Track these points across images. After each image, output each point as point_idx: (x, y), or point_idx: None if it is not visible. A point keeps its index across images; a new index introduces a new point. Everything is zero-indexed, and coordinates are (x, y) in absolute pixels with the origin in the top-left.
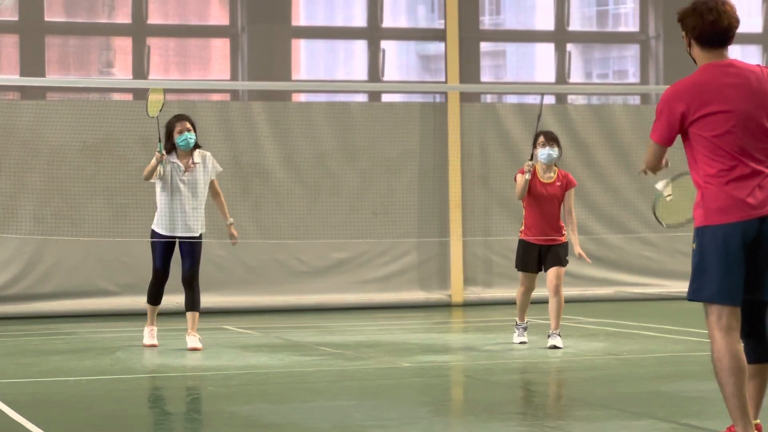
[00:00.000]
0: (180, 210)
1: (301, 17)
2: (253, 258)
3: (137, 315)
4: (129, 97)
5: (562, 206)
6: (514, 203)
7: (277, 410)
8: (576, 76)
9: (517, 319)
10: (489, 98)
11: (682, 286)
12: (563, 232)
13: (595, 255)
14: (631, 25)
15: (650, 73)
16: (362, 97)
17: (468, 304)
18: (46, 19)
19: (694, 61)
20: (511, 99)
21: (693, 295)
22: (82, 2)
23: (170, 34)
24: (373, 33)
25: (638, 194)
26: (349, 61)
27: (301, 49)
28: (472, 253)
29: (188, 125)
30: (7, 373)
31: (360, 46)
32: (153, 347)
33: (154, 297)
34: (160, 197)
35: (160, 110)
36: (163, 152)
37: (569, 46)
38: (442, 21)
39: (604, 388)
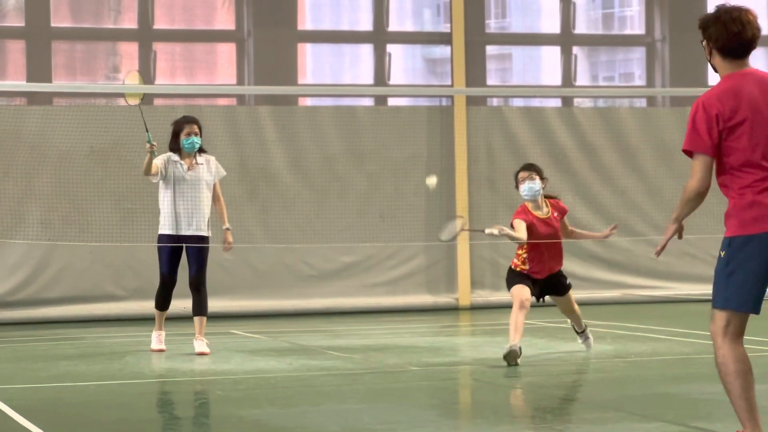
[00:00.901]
0: (184, 209)
1: (307, 21)
2: (260, 262)
3: (145, 319)
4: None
5: (562, 233)
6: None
7: (285, 414)
8: (582, 78)
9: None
10: (495, 101)
11: (690, 289)
12: (561, 260)
13: (603, 257)
14: (637, 27)
15: (656, 75)
16: (368, 101)
17: (475, 308)
18: (53, 24)
19: (715, 70)
20: (518, 102)
21: (725, 304)
22: (89, 7)
23: (176, 39)
24: (379, 37)
25: (645, 197)
26: (356, 65)
27: (308, 53)
28: (480, 256)
29: (196, 129)
30: (16, 378)
31: (366, 50)
32: (161, 352)
33: (162, 303)
34: (164, 198)
35: (142, 99)
36: (153, 143)
37: (575, 49)
38: (448, 24)
39: (613, 391)
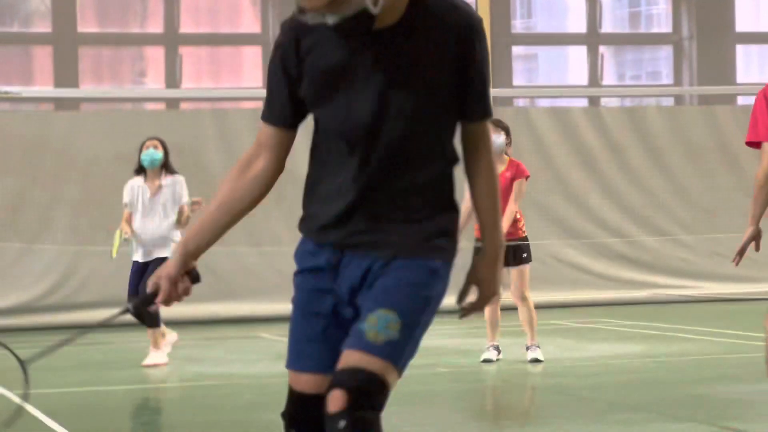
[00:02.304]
0: (150, 234)
1: None
2: (288, 265)
3: (173, 324)
4: (162, 106)
5: (512, 198)
6: (549, 207)
7: None
8: (609, 78)
9: (487, 338)
10: (521, 102)
11: (719, 288)
12: (519, 227)
13: (631, 257)
14: (663, 26)
15: (684, 74)
16: None
17: (502, 309)
18: (79, 30)
19: None
20: (544, 102)
21: None
22: (115, 13)
23: (202, 43)
24: None
25: (673, 196)
26: None
27: None
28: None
29: (156, 143)
30: (46, 382)
31: None
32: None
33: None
34: (136, 227)
35: (123, 239)
36: (125, 239)
37: (601, 48)
38: None
39: (642, 392)
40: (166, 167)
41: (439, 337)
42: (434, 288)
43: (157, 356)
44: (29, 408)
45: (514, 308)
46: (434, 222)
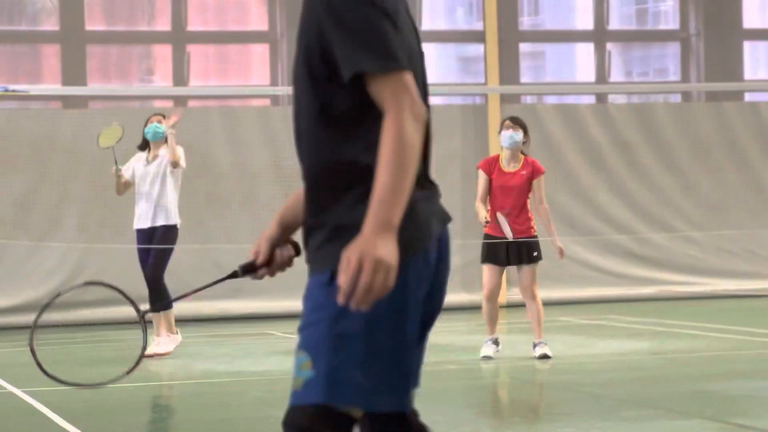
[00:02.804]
0: (145, 201)
1: None
2: (297, 262)
3: (183, 321)
4: (170, 104)
5: (531, 197)
6: (557, 204)
7: None
8: (616, 75)
9: (487, 332)
10: (529, 99)
11: (727, 285)
12: (531, 225)
13: (639, 254)
14: (671, 22)
15: (691, 70)
16: None
17: (511, 306)
18: (87, 28)
19: None
20: (552, 100)
21: None
22: (122, 10)
23: (210, 41)
24: None
25: (681, 193)
26: None
27: None
28: None
29: (160, 117)
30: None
31: None
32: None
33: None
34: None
35: (117, 141)
36: (119, 167)
37: (609, 45)
38: (481, 23)
39: (651, 388)
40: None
41: (448, 334)
42: (330, 302)
43: (164, 344)
44: (37, 405)
45: (520, 305)
46: (331, 219)
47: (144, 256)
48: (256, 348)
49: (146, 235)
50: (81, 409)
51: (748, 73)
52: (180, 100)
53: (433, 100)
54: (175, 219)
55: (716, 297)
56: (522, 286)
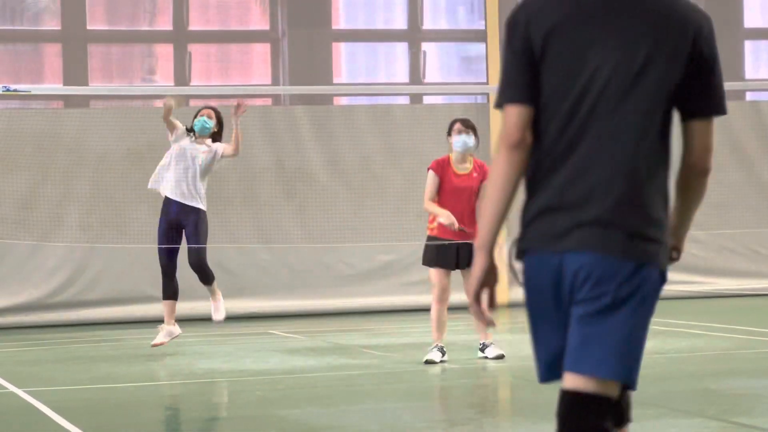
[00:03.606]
0: (183, 174)
1: (341, 21)
2: (298, 262)
3: (184, 321)
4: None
5: (478, 199)
6: None
7: (325, 413)
8: None
9: (433, 337)
10: None
11: (729, 284)
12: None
13: None
14: None
15: None
16: (404, 100)
17: (513, 305)
18: (89, 27)
19: None
20: None
21: None
22: (124, 10)
23: (211, 40)
24: (414, 35)
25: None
26: (390, 64)
27: (342, 52)
28: None
29: (211, 113)
30: (57, 380)
31: (401, 49)
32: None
33: (163, 289)
34: (168, 165)
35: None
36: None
37: None
38: (483, 22)
39: (653, 387)
40: (215, 136)
41: (450, 334)
42: None
43: (220, 308)
44: (38, 405)
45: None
46: None
47: (170, 242)
48: (258, 347)
49: (179, 208)
50: (82, 409)
51: (750, 73)
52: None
53: (434, 99)
54: (205, 206)
55: (718, 296)
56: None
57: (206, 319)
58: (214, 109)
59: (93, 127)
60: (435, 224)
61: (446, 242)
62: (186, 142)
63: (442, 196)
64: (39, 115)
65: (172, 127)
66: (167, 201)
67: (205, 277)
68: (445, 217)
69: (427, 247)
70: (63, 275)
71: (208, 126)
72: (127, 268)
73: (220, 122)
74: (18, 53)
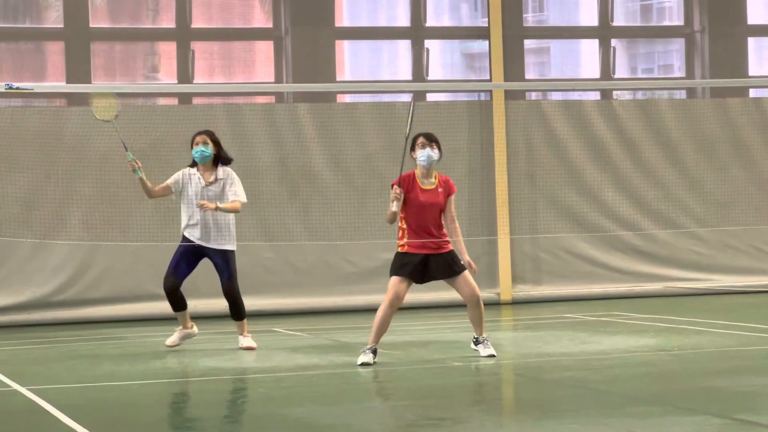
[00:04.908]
0: (202, 221)
1: (344, 18)
2: (301, 260)
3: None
4: (174, 101)
5: (443, 214)
6: (562, 200)
7: (329, 411)
8: (621, 71)
9: (370, 339)
10: (534, 95)
11: (733, 281)
12: (447, 240)
13: (644, 251)
14: (675, 18)
15: (696, 67)
16: (407, 97)
17: (517, 302)
18: (92, 25)
19: None
20: (557, 96)
21: None
22: (127, 8)
23: (214, 38)
24: (417, 32)
25: (686, 189)
26: (393, 61)
27: (345, 50)
28: (521, 251)
29: (206, 139)
30: (60, 378)
31: (404, 46)
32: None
33: (171, 304)
34: (185, 211)
35: (115, 116)
36: (134, 159)
37: (614, 42)
38: (486, 19)
39: (657, 385)
40: (219, 159)
41: (452, 332)
42: None
43: (250, 339)
44: (42, 403)
45: (524, 302)
46: None
47: (184, 265)
48: (262, 345)
49: (195, 250)
50: (86, 407)
51: (753, 69)
52: (184, 98)
53: (438, 97)
54: (232, 244)
55: (722, 293)
56: (465, 295)
57: (209, 317)
58: (205, 132)
59: (96, 126)
60: (404, 241)
61: (414, 255)
62: (192, 185)
63: (408, 210)
64: (42, 113)
65: (166, 193)
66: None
67: (238, 308)
68: (394, 195)
69: (395, 258)
70: (66, 274)
71: (207, 153)
72: (130, 267)
73: (216, 143)
74: (21, 51)
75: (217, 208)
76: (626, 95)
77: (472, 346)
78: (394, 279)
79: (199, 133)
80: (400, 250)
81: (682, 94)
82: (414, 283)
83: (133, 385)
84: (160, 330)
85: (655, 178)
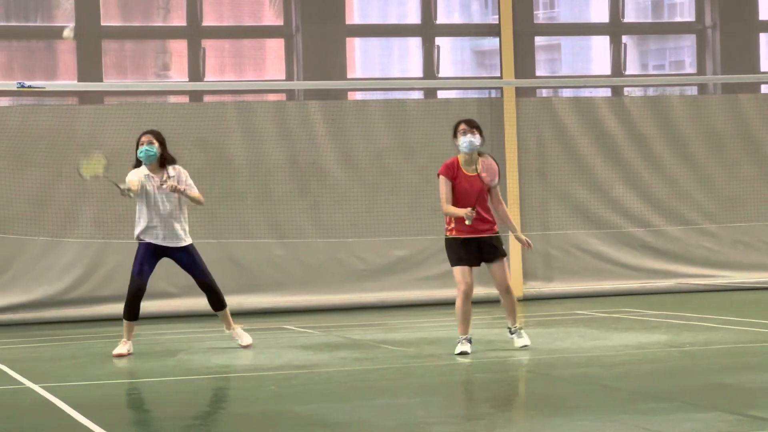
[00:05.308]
0: (163, 221)
1: (355, 16)
2: (312, 257)
3: (198, 316)
4: (185, 99)
5: (489, 197)
6: (573, 197)
7: (339, 409)
8: (632, 68)
9: (458, 331)
10: (545, 92)
11: (744, 277)
12: (495, 222)
13: (655, 247)
14: (687, 15)
15: (707, 63)
16: (418, 94)
17: (528, 299)
18: (103, 23)
19: None
20: (567, 93)
21: None
22: (138, 6)
23: (225, 36)
24: (428, 30)
25: (697, 185)
26: (404, 59)
27: (356, 47)
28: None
29: (151, 138)
30: (72, 375)
31: (414, 43)
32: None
33: (130, 311)
34: (140, 211)
35: (104, 169)
36: (127, 188)
37: (624, 38)
38: (496, 16)
39: (668, 381)
40: (164, 158)
41: None
42: None
43: (243, 335)
44: (55, 400)
45: (536, 299)
46: None
47: (147, 268)
48: (273, 342)
49: (157, 251)
50: (98, 404)
51: (765, 65)
52: (195, 95)
53: (448, 94)
54: (189, 238)
55: (733, 289)
56: (497, 281)
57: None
58: (151, 132)
59: (107, 124)
60: (452, 225)
61: (467, 239)
62: (149, 186)
63: (454, 197)
64: (53, 112)
65: (137, 190)
66: (149, 245)
67: (217, 297)
68: (465, 214)
69: (448, 248)
70: (77, 272)
71: (152, 153)
72: None
73: (162, 143)
74: (32, 50)
75: (184, 192)
76: (637, 92)
77: (509, 335)
78: (457, 270)
79: (145, 133)
80: (448, 235)
81: (693, 91)
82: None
83: (144, 383)
84: (171, 328)
85: (666, 174)
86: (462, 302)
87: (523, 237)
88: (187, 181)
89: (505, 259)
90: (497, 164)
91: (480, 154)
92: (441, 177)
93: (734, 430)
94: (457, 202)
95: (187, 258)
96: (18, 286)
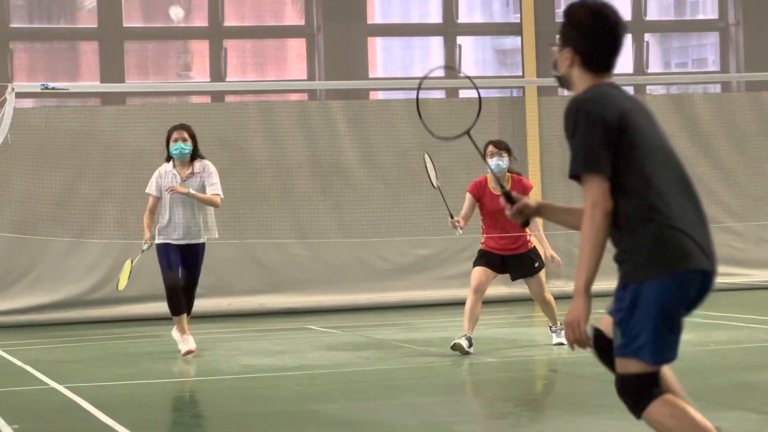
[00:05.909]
0: (180, 220)
1: (376, 15)
2: (335, 257)
3: (222, 317)
4: (207, 99)
5: None
6: None
7: (363, 408)
8: (654, 65)
9: (464, 327)
10: (566, 91)
11: None
12: (528, 239)
13: None
14: (709, 12)
15: (731, 60)
16: (440, 94)
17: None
18: (125, 25)
19: None
20: None
21: None
22: (159, 7)
23: (247, 36)
24: (449, 29)
25: (720, 183)
26: (426, 58)
27: (378, 47)
28: (554, 246)
29: (185, 134)
30: (97, 376)
31: (436, 43)
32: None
33: (173, 305)
34: (163, 207)
35: (130, 275)
36: (145, 249)
37: (647, 36)
38: (518, 15)
39: (692, 380)
40: (194, 155)
41: (488, 328)
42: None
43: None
44: (79, 400)
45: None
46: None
47: (175, 258)
48: (296, 342)
49: (179, 249)
50: (122, 404)
51: None
52: (217, 95)
53: (470, 93)
54: (215, 232)
55: (758, 288)
56: (534, 295)
57: (243, 315)
58: (182, 126)
59: (129, 124)
60: (483, 237)
61: (494, 255)
62: (167, 183)
63: (484, 216)
64: (76, 113)
65: (158, 206)
66: (165, 246)
67: (191, 301)
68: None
69: (477, 253)
70: (101, 272)
71: (186, 150)
72: None
73: (194, 138)
74: (55, 51)
75: (189, 194)
76: (660, 90)
77: (549, 332)
78: (474, 269)
79: (176, 129)
80: (481, 246)
81: (716, 88)
82: (496, 274)
83: (168, 383)
84: (196, 328)
85: (690, 172)
86: (469, 299)
87: (552, 253)
88: (210, 179)
89: (541, 273)
90: (530, 185)
91: (510, 171)
92: (467, 194)
93: (759, 429)
94: (487, 219)
95: (191, 256)
96: (42, 286)
